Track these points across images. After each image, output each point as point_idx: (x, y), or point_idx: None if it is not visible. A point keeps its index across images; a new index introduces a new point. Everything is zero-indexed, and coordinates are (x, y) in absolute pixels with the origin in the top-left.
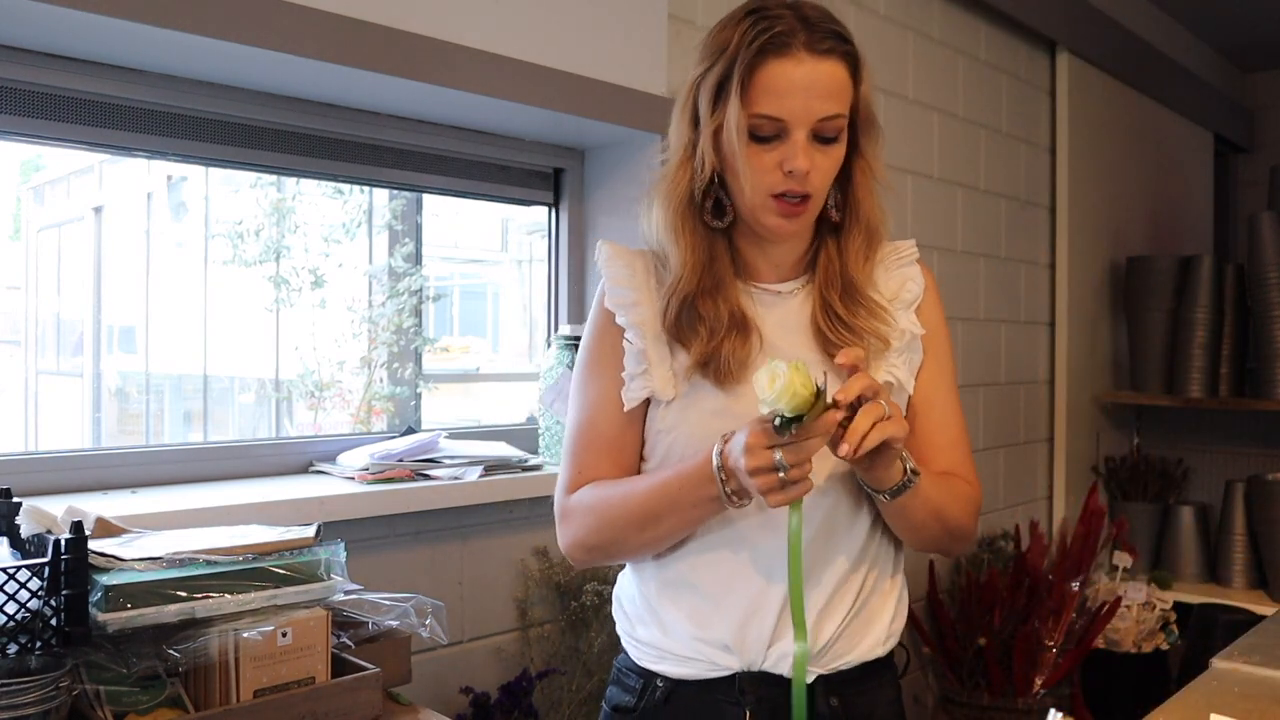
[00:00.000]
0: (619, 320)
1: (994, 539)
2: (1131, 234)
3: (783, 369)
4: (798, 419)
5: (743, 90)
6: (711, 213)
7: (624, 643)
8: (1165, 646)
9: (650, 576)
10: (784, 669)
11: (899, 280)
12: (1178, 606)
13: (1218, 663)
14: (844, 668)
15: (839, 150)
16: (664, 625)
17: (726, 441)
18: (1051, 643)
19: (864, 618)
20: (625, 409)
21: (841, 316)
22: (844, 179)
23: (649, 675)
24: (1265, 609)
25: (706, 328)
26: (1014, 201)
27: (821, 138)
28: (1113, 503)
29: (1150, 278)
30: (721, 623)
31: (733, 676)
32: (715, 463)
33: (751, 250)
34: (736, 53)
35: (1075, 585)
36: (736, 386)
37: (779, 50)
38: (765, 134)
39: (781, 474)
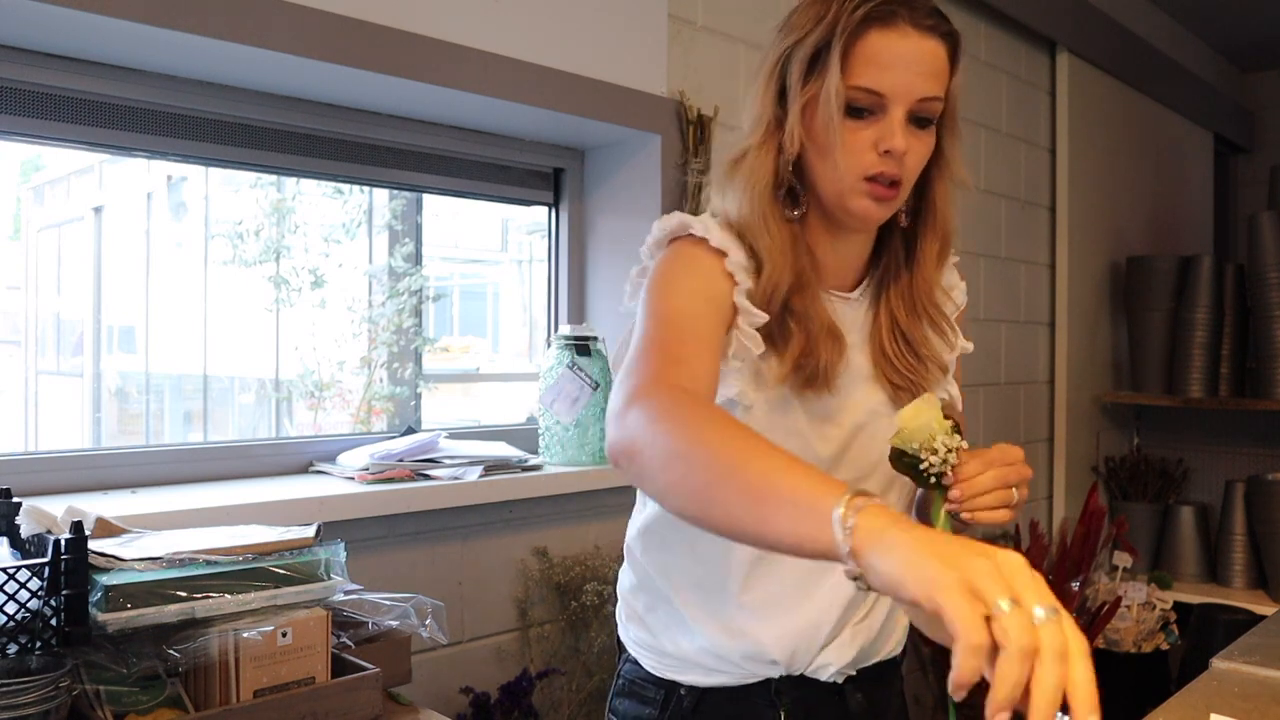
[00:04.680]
0: (737, 298)
1: (994, 539)
2: (1131, 234)
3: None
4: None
5: (843, 60)
6: (786, 202)
7: (637, 654)
8: (1165, 646)
9: (685, 587)
10: (824, 675)
11: (942, 291)
12: (1178, 606)
13: (1218, 663)
14: (868, 665)
15: (931, 139)
16: (698, 637)
17: (859, 504)
18: None
19: (893, 618)
20: (730, 352)
21: (908, 337)
22: (920, 179)
23: (671, 685)
24: (1265, 609)
25: (802, 329)
26: (1014, 201)
27: (917, 119)
28: (1113, 503)
29: (1150, 278)
30: (773, 642)
31: (768, 681)
32: (841, 541)
33: (823, 248)
34: (837, 20)
35: (1075, 585)
36: (825, 398)
37: (884, 21)
38: (860, 106)
39: None
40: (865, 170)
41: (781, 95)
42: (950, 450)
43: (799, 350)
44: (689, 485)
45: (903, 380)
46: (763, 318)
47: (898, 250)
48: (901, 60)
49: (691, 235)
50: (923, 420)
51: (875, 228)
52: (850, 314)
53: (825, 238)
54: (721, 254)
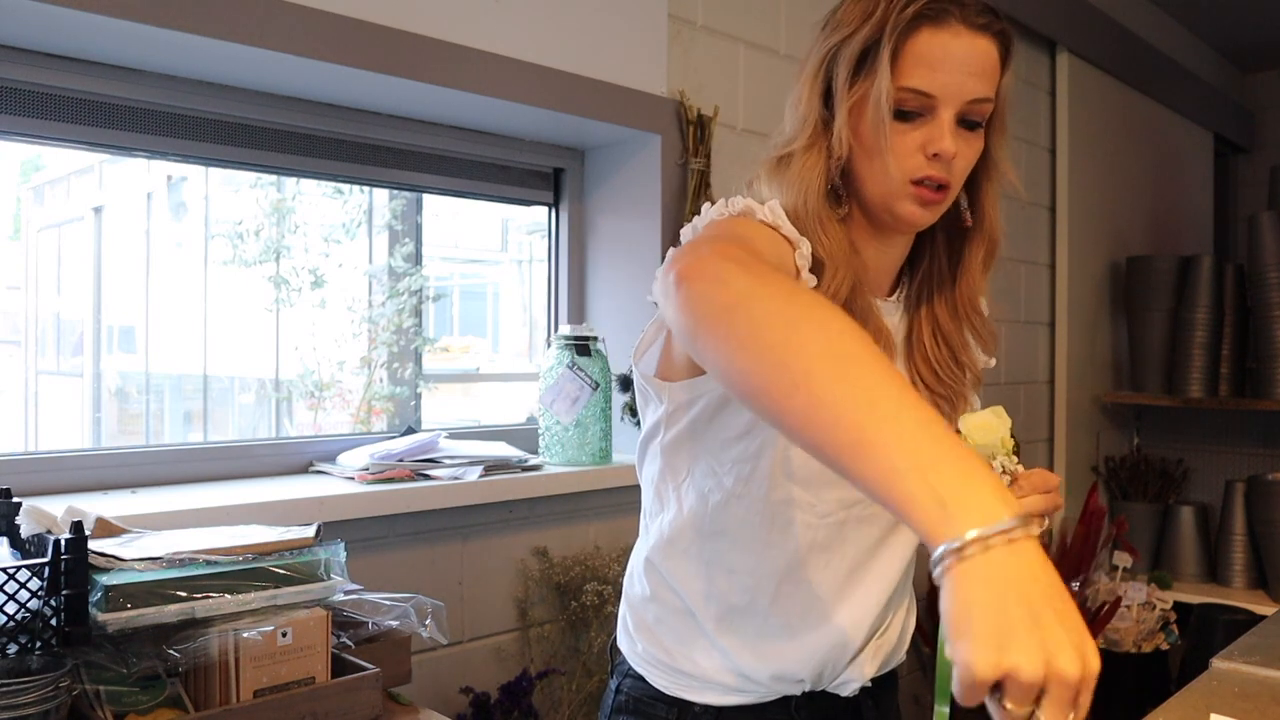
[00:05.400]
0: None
1: None
2: (1131, 234)
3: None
4: None
5: (893, 60)
6: (831, 202)
7: (643, 670)
8: (1165, 646)
9: (710, 602)
10: (845, 691)
11: (984, 304)
12: (1178, 606)
13: (1218, 663)
14: (880, 675)
15: (980, 141)
16: (722, 655)
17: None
18: None
19: (907, 629)
20: None
21: (950, 343)
22: (967, 182)
23: (684, 704)
24: (1265, 609)
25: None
26: (1014, 201)
27: (966, 122)
28: (1113, 503)
29: (1150, 278)
30: (803, 662)
31: (787, 698)
32: (942, 556)
33: (867, 251)
34: (886, 19)
35: (1075, 585)
36: None
37: (935, 20)
38: (909, 109)
39: None
40: (912, 173)
41: (827, 95)
42: (1006, 473)
43: None
44: (781, 356)
45: (942, 389)
46: None
47: (941, 255)
48: (953, 61)
49: (760, 221)
50: (991, 438)
51: (919, 229)
52: (886, 320)
53: (868, 240)
54: (792, 244)
